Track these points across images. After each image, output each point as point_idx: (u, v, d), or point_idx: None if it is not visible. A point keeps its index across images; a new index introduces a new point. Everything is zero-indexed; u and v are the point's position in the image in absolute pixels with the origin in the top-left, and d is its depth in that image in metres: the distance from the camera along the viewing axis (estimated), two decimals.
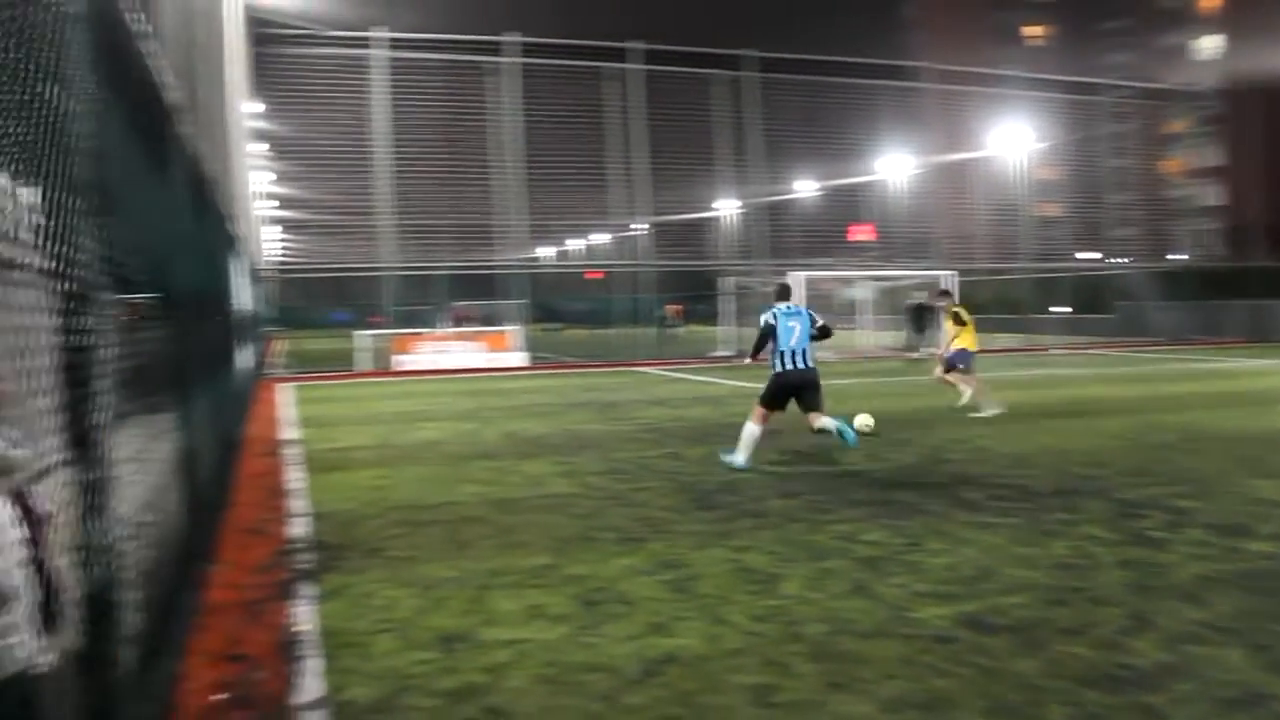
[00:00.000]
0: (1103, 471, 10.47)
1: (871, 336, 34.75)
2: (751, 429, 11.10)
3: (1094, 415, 15.20)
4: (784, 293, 11.75)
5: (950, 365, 15.89)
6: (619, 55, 32.78)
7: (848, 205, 39.41)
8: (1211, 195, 61.72)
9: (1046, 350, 33.45)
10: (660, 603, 6.21)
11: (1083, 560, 6.98)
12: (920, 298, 26.10)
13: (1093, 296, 42.49)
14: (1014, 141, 38.66)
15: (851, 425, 11.07)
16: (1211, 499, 9.00)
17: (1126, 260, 42.47)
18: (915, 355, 26.03)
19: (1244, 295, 39.34)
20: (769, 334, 11.15)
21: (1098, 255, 42.72)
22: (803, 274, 30.20)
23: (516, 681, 4.97)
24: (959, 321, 15.70)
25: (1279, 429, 13.64)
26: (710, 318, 37.50)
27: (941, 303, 16.21)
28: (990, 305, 41.18)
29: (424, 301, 35.01)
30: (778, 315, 11.14)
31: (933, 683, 4.81)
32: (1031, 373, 24.34)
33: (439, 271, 32.93)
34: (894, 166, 38.96)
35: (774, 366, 11.11)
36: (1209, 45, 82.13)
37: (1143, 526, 8.00)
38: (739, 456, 11.05)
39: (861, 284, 35.28)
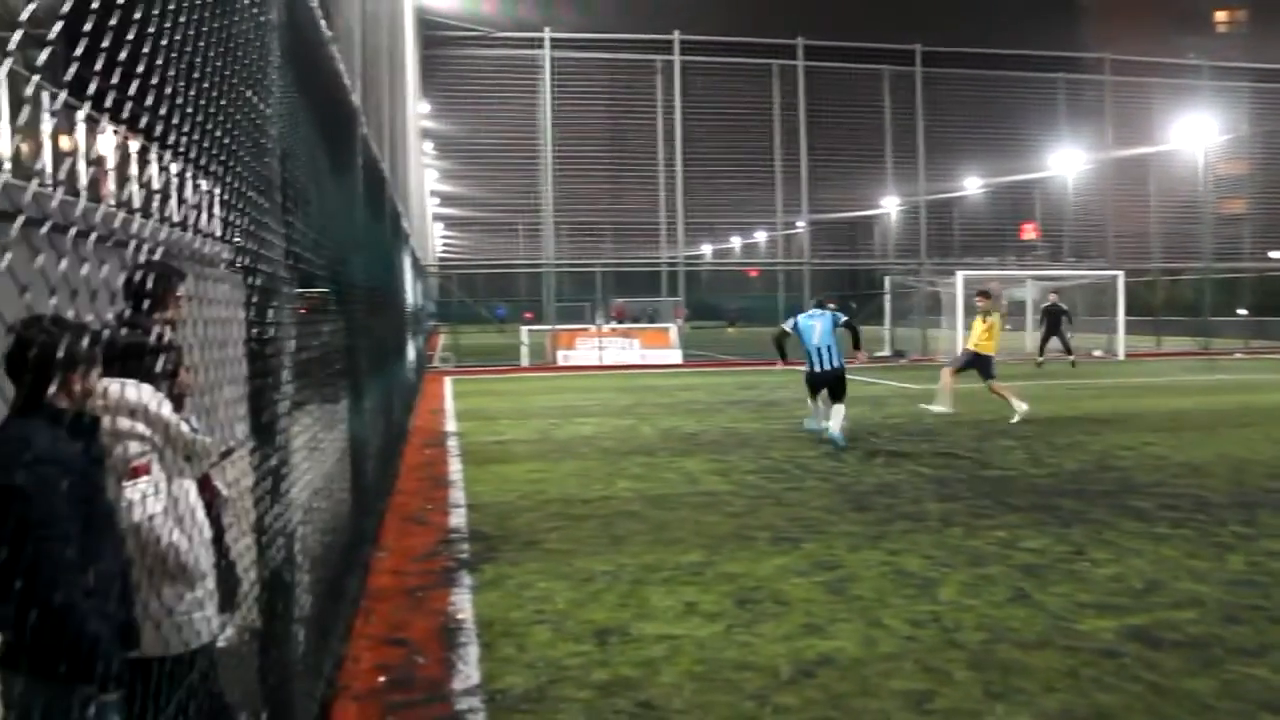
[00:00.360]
0: None
1: (1036, 338, 33.62)
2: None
3: (1277, 423, 14.41)
4: (822, 300, 14.12)
5: (988, 374, 15.20)
6: (780, 52, 32.54)
7: (1015, 202, 38.15)
8: None
9: (1233, 355, 31.85)
10: (815, 604, 6.17)
11: (1262, 577, 6.65)
12: (1053, 299, 25.52)
13: (1278, 299, 40.00)
14: (1195, 134, 36.82)
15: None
16: None
17: None
18: (1074, 359, 25.40)
19: None
20: (782, 337, 13.46)
21: None
22: (962, 273, 29.49)
23: (669, 677, 5.01)
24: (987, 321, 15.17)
25: None
26: (871, 317, 36.91)
27: (981, 303, 15.72)
28: (1163, 307, 39.35)
29: (584, 298, 35.38)
30: (798, 319, 13.01)
31: (1098, 698, 4.66)
32: (1210, 378, 23.22)
33: (599, 268, 33.26)
34: (1065, 162, 37.56)
35: (806, 364, 12.97)
36: None
37: None
38: (811, 420, 13.38)
39: (1029, 284, 34.16)
